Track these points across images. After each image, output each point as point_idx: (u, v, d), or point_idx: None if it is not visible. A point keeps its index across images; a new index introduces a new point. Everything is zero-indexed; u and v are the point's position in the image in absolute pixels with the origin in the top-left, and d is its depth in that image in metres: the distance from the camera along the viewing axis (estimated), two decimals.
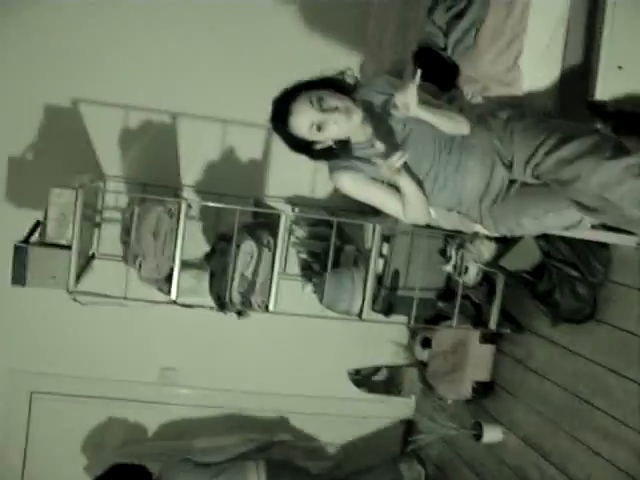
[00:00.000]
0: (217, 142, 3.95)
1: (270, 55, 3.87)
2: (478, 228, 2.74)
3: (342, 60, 3.29)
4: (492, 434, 3.52)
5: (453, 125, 2.38)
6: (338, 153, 2.35)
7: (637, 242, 2.50)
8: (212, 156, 3.98)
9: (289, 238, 4.00)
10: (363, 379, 4.48)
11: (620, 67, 2.34)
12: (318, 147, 2.31)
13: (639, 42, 2.35)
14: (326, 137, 2.26)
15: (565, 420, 3.14)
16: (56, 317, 3.95)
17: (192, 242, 3.64)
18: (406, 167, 2.32)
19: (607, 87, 2.33)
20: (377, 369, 4.49)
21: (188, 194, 3.94)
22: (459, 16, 2.59)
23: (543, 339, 3.36)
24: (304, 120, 2.21)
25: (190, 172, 3.97)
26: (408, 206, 2.40)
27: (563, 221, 2.36)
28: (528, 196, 2.37)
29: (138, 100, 3.83)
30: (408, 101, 2.22)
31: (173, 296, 3.31)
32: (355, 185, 2.41)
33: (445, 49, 2.68)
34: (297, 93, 2.23)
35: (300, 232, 4.01)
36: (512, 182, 2.37)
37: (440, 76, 2.70)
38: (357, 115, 2.23)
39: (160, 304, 3.36)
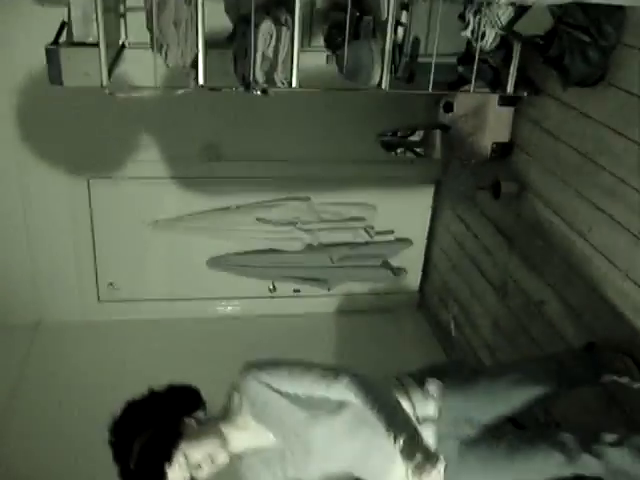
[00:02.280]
0: None
1: None
2: None
3: None
4: (509, 191, 3.76)
5: None
6: None
7: None
8: None
9: (312, 12, 3.98)
10: (399, 139, 4.64)
11: None
12: None
13: None
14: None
15: (574, 178, 3.33)
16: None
17: (217, 23, 3.63)
18: None
19: None
20: (413, 129, 4.60)
21: None
22: None
23: (557, 101, 3.43)
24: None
25: None
26: None
27: None
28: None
29: None
30: None
31: (201, 81, 3.43)
32: None
33: None
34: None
35: (321, 3, 4.00)
36: None
37: None
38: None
39: (189, 89, 3.51)
